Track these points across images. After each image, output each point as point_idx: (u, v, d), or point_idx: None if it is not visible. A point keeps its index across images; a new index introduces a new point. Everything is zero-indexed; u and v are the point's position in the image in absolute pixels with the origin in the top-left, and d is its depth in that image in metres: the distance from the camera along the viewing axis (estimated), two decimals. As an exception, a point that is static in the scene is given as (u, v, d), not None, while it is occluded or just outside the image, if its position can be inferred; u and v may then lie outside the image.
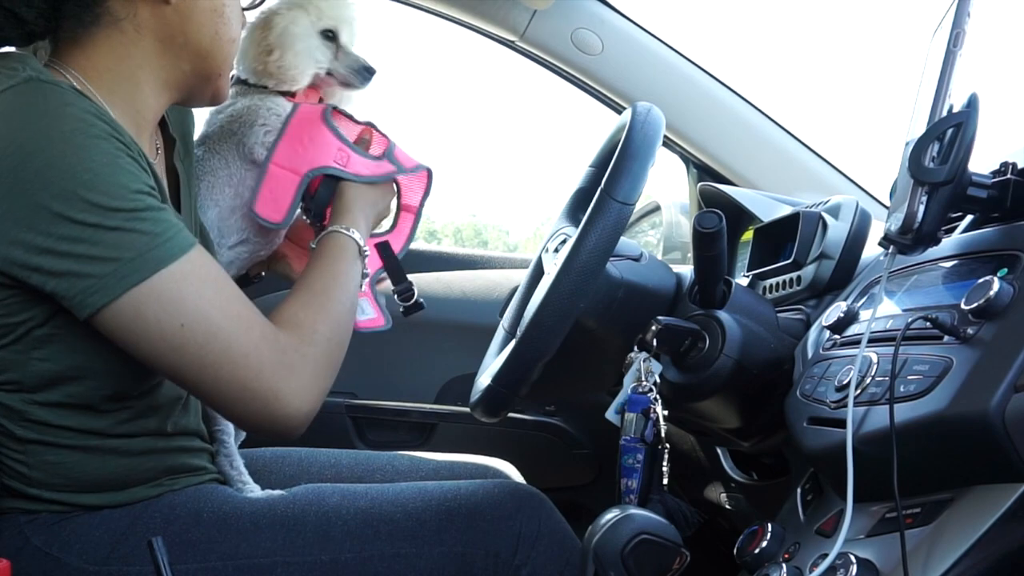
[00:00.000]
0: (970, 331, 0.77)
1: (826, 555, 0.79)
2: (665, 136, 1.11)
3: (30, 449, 0.90)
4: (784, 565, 0.86)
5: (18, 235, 0.81)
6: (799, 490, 0.99)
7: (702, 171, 1.78)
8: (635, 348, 1.05)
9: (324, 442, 1.34)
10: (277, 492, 1.06)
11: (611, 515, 0.86)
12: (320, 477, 1.19)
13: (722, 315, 1.06)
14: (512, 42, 1.75)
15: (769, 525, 0.94)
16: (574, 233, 1.02)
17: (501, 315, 1.37)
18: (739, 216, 1.39)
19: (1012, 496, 0.73)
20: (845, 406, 0.83)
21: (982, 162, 0.87)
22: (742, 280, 1.30)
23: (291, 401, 0.89)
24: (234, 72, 1.16)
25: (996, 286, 0.76)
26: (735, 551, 0.95)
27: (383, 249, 1.16)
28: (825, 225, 1.17)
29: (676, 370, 1.07)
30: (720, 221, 1.04)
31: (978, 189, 0.85)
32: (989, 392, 0.72)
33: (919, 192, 0.80)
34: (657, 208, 2.08)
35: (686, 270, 1.19)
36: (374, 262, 1.15)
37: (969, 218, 0.94)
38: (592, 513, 0.89)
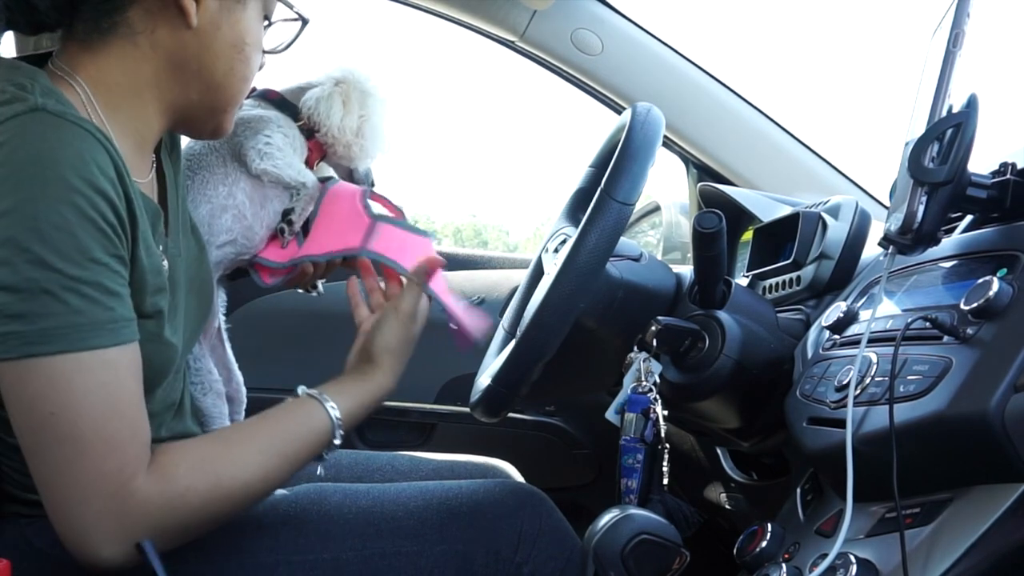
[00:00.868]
0: (970, 331, 0.77)
1: (826, 555, 0.80)
2: (665, 136, 1.11)
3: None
4: (784, 565, 0.86)
5: None
6: (799, 490, 0.99)
7: (702, 171, 1.78)
8: (635, 348, 1.05)
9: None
10: (279, 492, 1.06)
11: (611, 515, 0.87)
12: (320, 476, 1.19)
13: (722, 315, 1.06)
14: (512, 42, 1.75)
15: (769, 525, 0.94)
16: (574, 233, 1.02)
17: (501, 315, 1.37)
18: (739, 216, 1.39)
19: (1012, 496, 0.73)
20: (845, 406, 0.83)
21: (982, 162, 0.87)
22: (742, 280, 1.30)
23: (99, 547, 0.81)
24: (308, 118, 1.15)
25: (995, 286, 0.76)
26: (735, 551, 0.95)
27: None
28: (825, 225, 1.18)
29: (676, 370, 1.07)
30: (720, 221, 1.04)
31: (978, 189, 0.85)
32: (989, 392, 0.72)
33: (919, 192, 0.80)
34: (657, 208, 2.08)
35: (686, 270, 1.19)
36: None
37: (969, 218, 0.95)
38: (592, 513, 0.89)
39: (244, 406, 1.20)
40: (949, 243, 0.90)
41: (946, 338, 0.78)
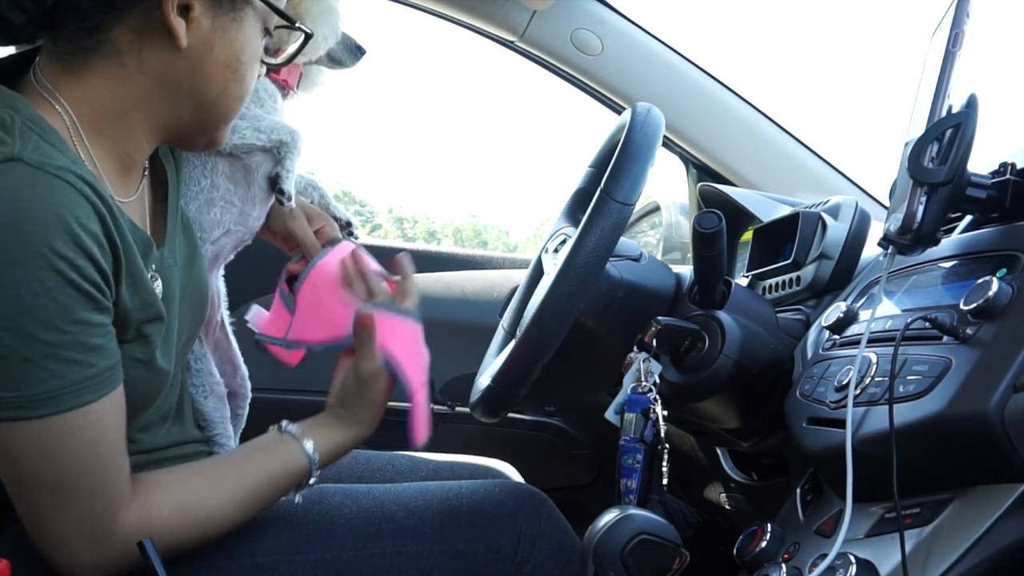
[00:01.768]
0: (969, 331, 0.77)
1: (825, 555, 0.80)
2: (665, 136, 1.11)
3: None
4: (783, 565, 0.86)
5: None
6: (799, 490, 0.99)
7: (702, 171, 1.78)
8: (635, 348, 1.05)
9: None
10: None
11: (611, 515, 0.87)
12: (320, 476, 1.19)
13: (722, 315, 1.06)
14: (512, 42, 1.75)
15: (769, 525, 0.94)
16: (574, 233, 1.02)
17: (501, 315, 1.37)
18: (739, 216, 1.39)
19: (1012, 496, 0.73)
20: (845, 406, 0.83)
21: (981, 162, 0.87)
22: (742, 280, 1.30)
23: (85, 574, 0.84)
24: None
25: (995, 286, 0.76)
26: (735, 551, 0.95)
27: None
28: (825, 225, 1.18)
29: (676, 370, 1.07)
30: (720, 221, 1.04)
31: (977, 189, 0.85)
32: (988, 392, 0.72)
33: (918, 192, 0.80)
34: (657, 208, 2.08)
35: (686, 270, 1.19)
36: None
37: (968, 218, 0.95)
38: (592, 513, 0.89)
39: (248, 400, 1.19)
40: (949, 243, 0.90)
41: (946, 338, 0.78)
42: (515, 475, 1.30)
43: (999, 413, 0.71)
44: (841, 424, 0.82)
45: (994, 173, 0.86)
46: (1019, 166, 0.86)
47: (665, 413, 1.01)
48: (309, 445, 0.95)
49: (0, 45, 0.89)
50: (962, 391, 0.73)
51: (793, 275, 1.19)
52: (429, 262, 1.98)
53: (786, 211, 1.28)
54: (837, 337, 0.97)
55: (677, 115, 1.72)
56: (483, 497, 1.05)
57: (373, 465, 1.24)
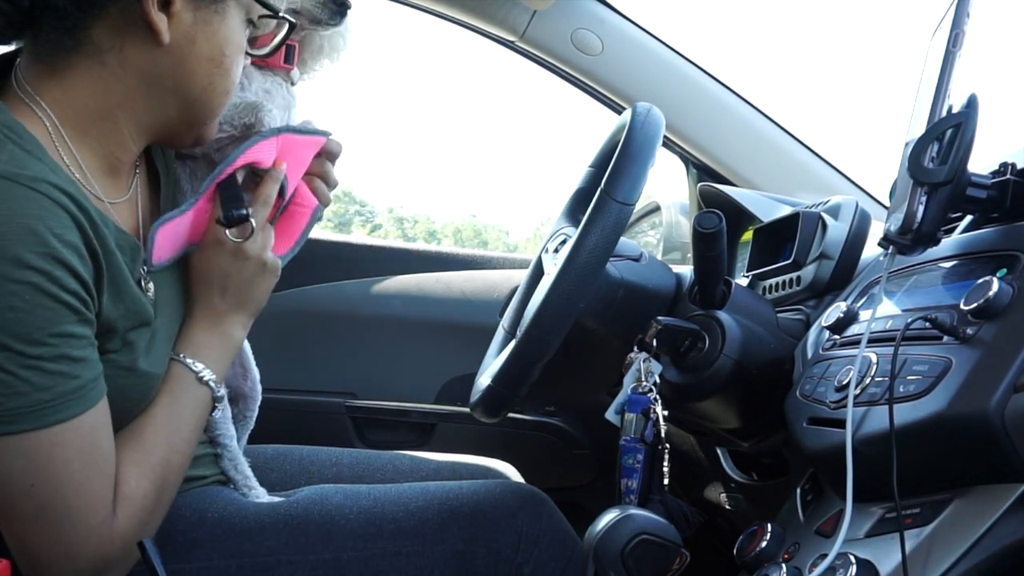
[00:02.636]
0: (969, 331, 0.77)
1: (826, 555, 0.79)
2: (665, 136, 1.11)
3: None
4: (784, 565, 0.86)
5: None
6: (799, 490, 0.99)
7: (702, 171, 1.78)
8: (635, 348, 1.05)
9: (324, 441, 1.34)
10: (280, 493, 1.06)
11: (611, 515, 0.87)
12: (321, 475, 1.20)
13: (722, 315, 1.06)
14: (512, 42, 1.75)
15: (769, 525, 0.94)
16: (574, 233, 1.02)
17: (501, 315, 1.37)
18: (739, 216, 1.39)
19: (1012, 496, 0.73)
20: (845, 406, 0.83)
21: (982, 162, 0.87)
22: (742, 280, 1.30)
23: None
24: None
25: (995, 286, 0.76)
26: (735, 551, 0.95)
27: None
28: (825, 225, 1.18)
29: (676, 370, 1.07)
30: (720, 221, 1.04)
31: (977, 189, 0.85)
32: (989, 392, 0.72)
33: (919, 192, 0.80)
34: (657, 208, 2.08)
35: (686, 270, 1.19)
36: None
37: (968, 218, 0.95)
38: (592, 513, 0.89)
39: (258, 403, 1.17)
40: (949, 243, 0.90)
41: (946, 338, 0.78)
42: (515, 475, 1.30)
43: (999, 413, 0.71)
44: (841, 424, 0.82)
45: (994, 173, 0.86)
46: (1019, 166, 0.86)
47: (665, 413, 1.01)
48: (204, 373, 0.94)
49: None
50: (962, 391, 0.73)
51: (793, 275, 1.19)
52: (429, 262, 1.97)
53: (786, 211, 1.28)
54: (837, 337, 0.97)
55: (677, 115, 1.72)
56: (483, 497, 1.05)
57: (373, 465, 1.24)
